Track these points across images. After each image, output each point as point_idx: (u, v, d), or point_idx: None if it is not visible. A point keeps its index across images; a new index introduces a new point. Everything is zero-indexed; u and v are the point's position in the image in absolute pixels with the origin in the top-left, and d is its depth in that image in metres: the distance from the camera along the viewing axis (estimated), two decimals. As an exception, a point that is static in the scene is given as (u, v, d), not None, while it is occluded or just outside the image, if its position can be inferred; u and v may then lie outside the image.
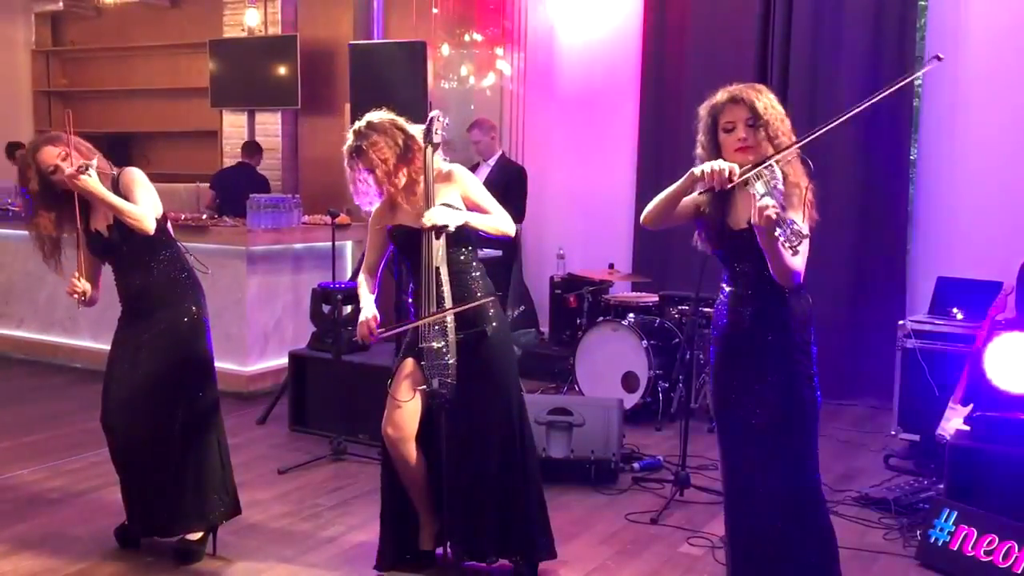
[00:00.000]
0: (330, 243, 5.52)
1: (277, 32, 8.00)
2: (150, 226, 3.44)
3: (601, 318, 5.92)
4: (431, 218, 3.18)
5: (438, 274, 3.24)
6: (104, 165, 3.51)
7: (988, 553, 3.53)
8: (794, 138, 2.71)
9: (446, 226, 3.23)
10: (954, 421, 4.38)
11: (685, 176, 2.71)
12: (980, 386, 4.45)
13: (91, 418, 5.49)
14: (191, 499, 3.57)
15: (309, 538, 3.89)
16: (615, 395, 5.32)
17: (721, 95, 2.75)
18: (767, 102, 2.70)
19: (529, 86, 7.54)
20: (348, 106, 6.73)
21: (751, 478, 2.81)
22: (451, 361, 3.22)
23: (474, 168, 6.39)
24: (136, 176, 3.54)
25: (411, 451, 3.39)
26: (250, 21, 8.02)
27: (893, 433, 5.10)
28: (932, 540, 3.70)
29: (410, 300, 3.47)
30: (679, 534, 3.99)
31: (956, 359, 4.74)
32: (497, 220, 3.41)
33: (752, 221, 2.51)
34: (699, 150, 2.81)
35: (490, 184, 6.21)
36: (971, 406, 4.41)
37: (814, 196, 2.68)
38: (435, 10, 7.68)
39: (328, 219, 5.71)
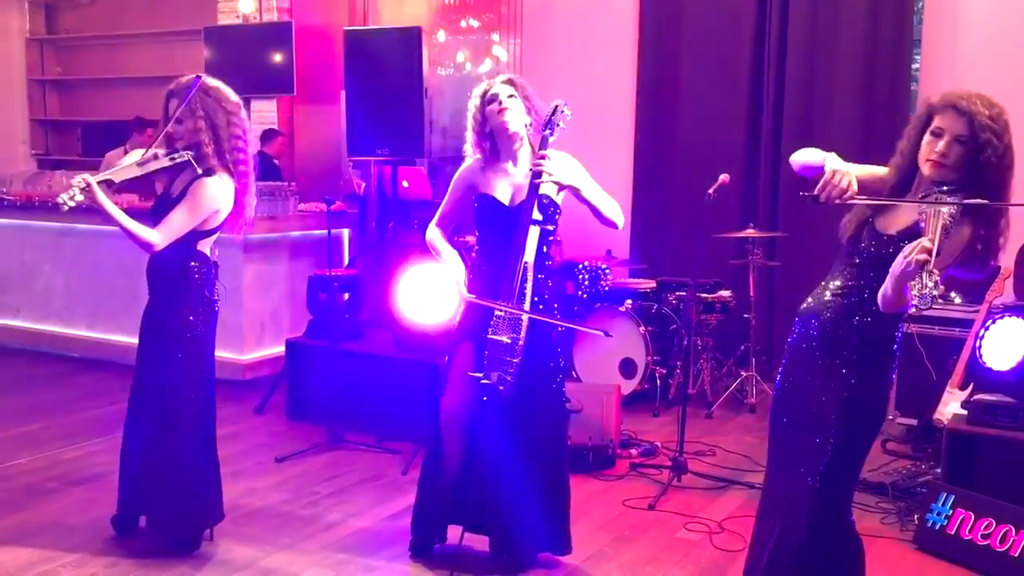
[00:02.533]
0: (326, 231, 5.50)
1: (272, 19, 7.95)
2: (149, 251, 3.36)
3: (599, 304, 5.91)
4: (545, 165, 3.14)
5: (525, 270, 3.18)
6: (204, 161, 3.34)
7: (985, 537, 3.53)
8: (1009, 177, 2.42)
9: (543, 222, 3.22)
10: (951, 405, 4.38)
11: (825, 157, 2.58)
12: (977, 370, 4.45)
13: (87, 407, 5.53)
14: (178, 515, 3.55)
15: (307, 525, 3.89)
16: (613, 381, 5.32)
17: (950, 96, 2.45)
18: (994, 128, 2.38)
19: (526, 72, 7.49)
20: (343, 93, 6.70)
21: (791, 467, 2.72)
22: (515, 360, 3.15)
23: None
24: (198, 193, 3.33)
25: (461, 436, 3.38)
26: (245, 8, 7.97)
27: (891, 417, 5.10)
28: (929, 524, 3.71)
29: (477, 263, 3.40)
30: (676, 520, 3.99)
31: (954, 343, 4.73)
32: (609, 203, 3.35)
33: (904, 253, 2.29)
34: (903, 142, 2.57)
35: None
36: (968, 390, 4.41)
37: (978, 249, 2.44)
38: (430, -5, 7.64)
39: (324, 207, 5.69)
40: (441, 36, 7.67)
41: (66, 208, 3.21)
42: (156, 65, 9.20)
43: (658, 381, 5.67)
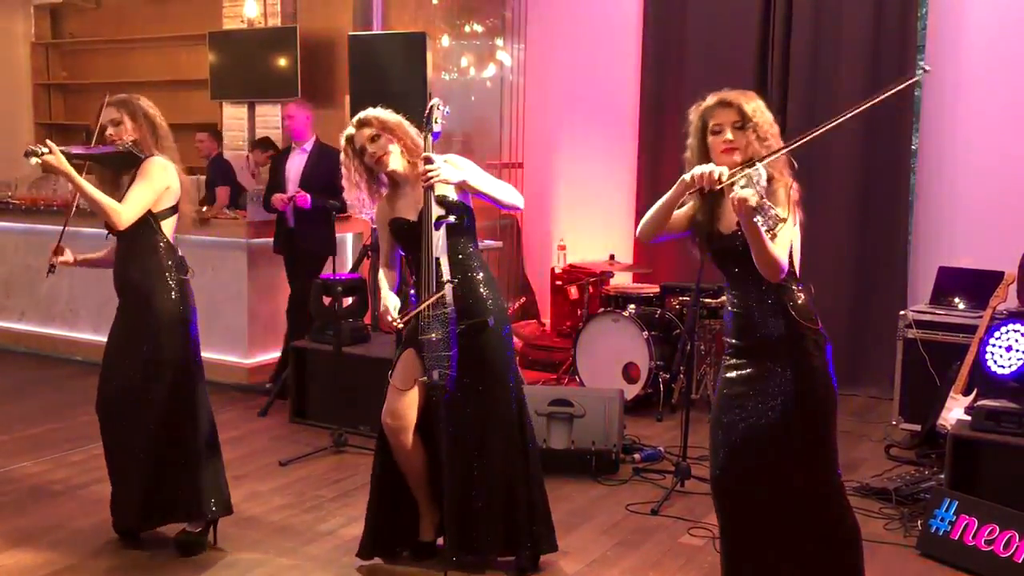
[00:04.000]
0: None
1: (277, 23, 7.96)
2: (118, 222, 3.44)
3: (602, 309, 5.92)
4: (433, 169, 3.18)
5: (438, 265, 3.23)
6: (148, 144, 3.54)
7: (989, 543, 3.53)
8: (781, 142, 2.76)
9: (445, 216, 3.25)
10: (955, 411, 4.38)
11: (677, 184, 2.74)
12: (981, 376, 4.45)
13: (92, 411, 5.52)
14: (178, 496, 3.56)
15: (310, 530, 3.89)
16: (616, 386, 5.32)
17: (710, 99, 2.80)
18: (755, 106, 2.76)
19: (529, 77, 7.52)
20: (348, 97, 6.72)
21: (757, 481, 2.74)
22: (451, 353, 3.20)
23: (286, 155, 6.13)
24: (149, 169, 3.52)
25: (410, 440, 3.40)
26: (249, 12, 7.99)
27: (894, 423, 5.10)
28: (933, 530, 3.71)
29: (412, 292, 3.46)
30: (680, 525, 4.00)
31: (957, 349, 4.73)
32: (502, 189, 3.41)
33: (735, 214, 2.55)
34: (687, 153, 2.84)
35: (309, 174, 5.81)
36: (972, 396, 4.41)
37: (799, 195, 2.73)
38: (435, 0, 7.66)
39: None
40: (445, 41, 7.68)
41: (34, 160, 3.30)
42: (161, 69, 9.23)
43: (661, 386, 5.67)
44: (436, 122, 3.28)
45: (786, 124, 6.39)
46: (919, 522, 3.86)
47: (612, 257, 6.39)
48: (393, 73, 5.93)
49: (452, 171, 3.27)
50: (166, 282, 3.54)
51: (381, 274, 3.53)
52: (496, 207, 3.45)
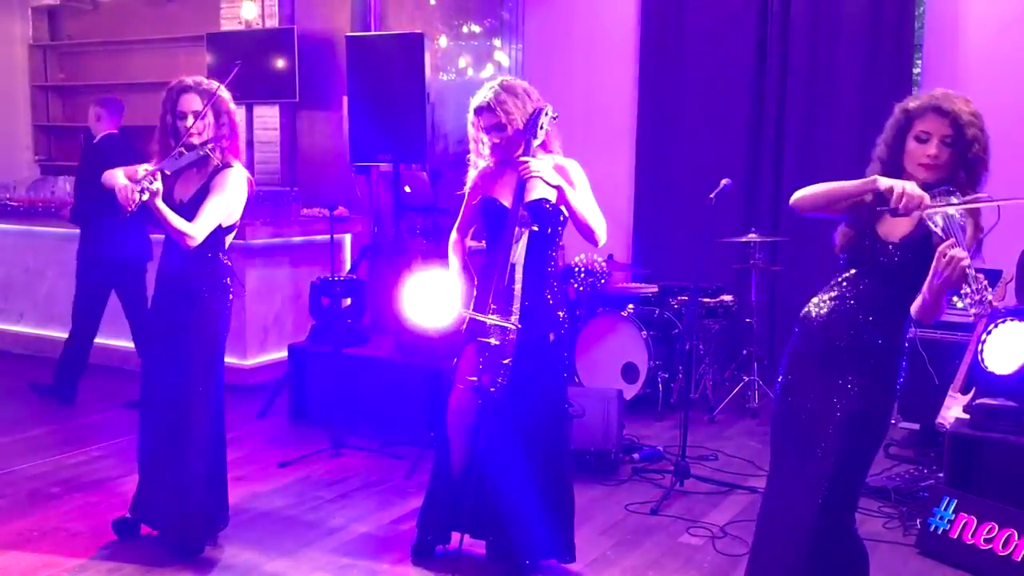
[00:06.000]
0: (328, 236, 5.51)
1: (274, 25, 7.97)
2: (190, 244, 3.38)
3: (600, 309, 5.92)
4: (533, 165, 3.15)
5: (512, 271, 3.20)
6: (219, 154, 3.44)
7: (988, 541, 3.53)
8: (988, 168, 2.49)
9: (530, 224, 3.22)
10: (954, 409, 4.38)
11: (865, 181, 2.46)
12: (979, 374, 4.45)
13: (91, 412, 5.54)
14: (193, 507, 3.56)
15: (310, 531, 3.89)
16: (615, 386, 5.32)
17: (925, 99, 2.49)
18: (973, 119, 2.46)
19: (527, 77, 7.50)
20: (346, 99, 6.72)
21: (794, 478, 2.71)
22: (506, 362, 3.17)
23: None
24: (224, 182, 3.44)
25: (461, 438, 3.38)
26: (247, 14, 7.99)
27: (893, 422, 5.09)
28: (932, 528, 3.71)
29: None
30: (679, 524, 4.00)
31: (956, 347, 4.73)
32: (595, 215, 3.33)
33: (936, 267, 2.28)
34: (880, 148, 2.59)
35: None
36: (971, 394, 4.41)
37: (977, 247, 2.47)
38: (432, 1, 7.66)
39: (326, 212, 5.70)
40: (443, 42, 7.69)
41: (146, 196, 3.19)
42: (159, 71, 9.20)
43: (660, 385, 5.67)
44: (542, 128, 3.26)
45: (785, 124, 6.41)
46: (918, 520, 3.86)
47: (611, 257, 6.39)
48: (391, 74, 5.93)
49: (552, 174, 3.21)
50: (224, 303, 3.58)
51: (452, 238, 3.52)
52: (578, 229, 3.32)
